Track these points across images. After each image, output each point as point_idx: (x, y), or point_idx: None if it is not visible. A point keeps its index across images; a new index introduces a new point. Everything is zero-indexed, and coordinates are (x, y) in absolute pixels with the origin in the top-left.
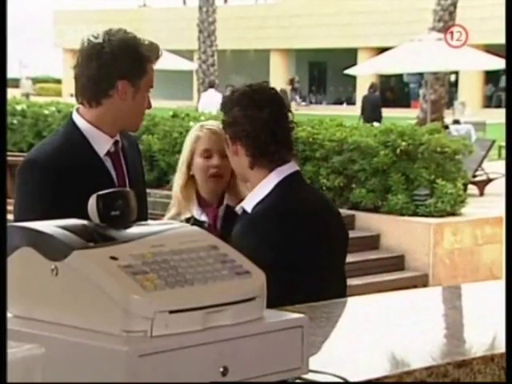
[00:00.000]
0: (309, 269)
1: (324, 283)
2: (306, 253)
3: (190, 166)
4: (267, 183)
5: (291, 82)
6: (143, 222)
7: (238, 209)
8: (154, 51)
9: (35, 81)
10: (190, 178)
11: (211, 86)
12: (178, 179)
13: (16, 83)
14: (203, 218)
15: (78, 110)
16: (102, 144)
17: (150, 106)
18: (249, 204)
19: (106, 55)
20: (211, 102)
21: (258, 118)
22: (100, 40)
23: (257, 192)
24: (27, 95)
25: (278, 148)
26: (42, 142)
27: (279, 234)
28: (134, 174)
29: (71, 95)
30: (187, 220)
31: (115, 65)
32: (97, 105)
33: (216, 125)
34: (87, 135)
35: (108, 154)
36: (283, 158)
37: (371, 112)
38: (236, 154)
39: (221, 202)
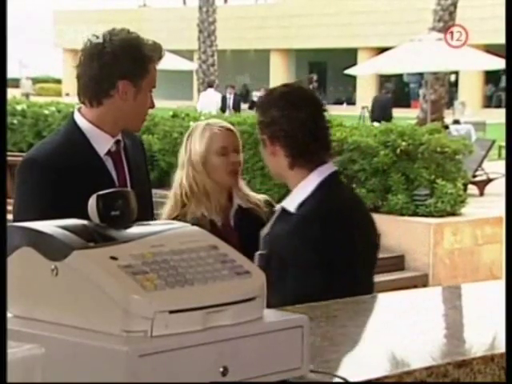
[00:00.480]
0: (348, 269)
1: (358, 283)
2: (347, 253)
3: (205, 164)
4: (308, 184)
5: (310, 80)
6: (143, 222)
7: (277, 208)
8: (156, 51)
9: (35, 81)
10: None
11: (210, 85)
12: (195, 176)
13: (16, 83)
14: (213, 217)
15: (79, 110)
16: (103, 143)
17: (152, 106)
18: (290, 204)
19: (107, 55)
20: (210, 101)
21: (296, 118)
22: (102, 40)
23: (298, 192)
24: (27, 95)
25: (316, 148)
26: (42, 142)
27: (326, 236)
28: (136, 173)
29: (66, 94)
30: (196, 218)
31: (116, 65)
32: (98, 104)
33: (225, 122)
34: (88, 135)
35: (109, 153)
36: (322, 158)
37: (381, 112)
38: (274, 155)
39: (230, 202)
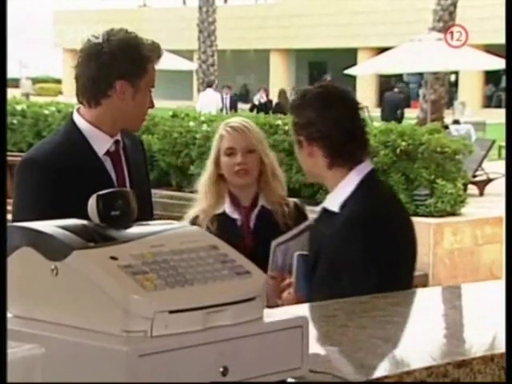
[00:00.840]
0: (389, 269)
1: (399, 282)
2: (389, 254)
3: (217, 164)
4: (348, 183)
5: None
6: (143, 222)
7: (318, 209)
8: (155, 51)
9: (35, 81)
10: (220, 177)
11: (209, 85)
12: (205, 177)
13: (16, 83)
14: (236, 216)
15: (78, 110)
16: (102, 144)
17: (152, 106)
18: (332, 204)
19: (104, 55)
20: (210, 101)
21: (332, 118)
22: (100, 40)
23: (338, 192)
24: (27, 95)
25: (354, 147)
26: (42, 142)
27: (369, 237)
28: (136, 173)
29: (60, 93)
30: (218, 216)
31: (114, 65)
32: (96, 105)
33: (240, 122)
34: (87, 135)
35: (108, 153)
36: (359, 156)
37: (392, 112)
38: (311, 156)
39: (254, 202)
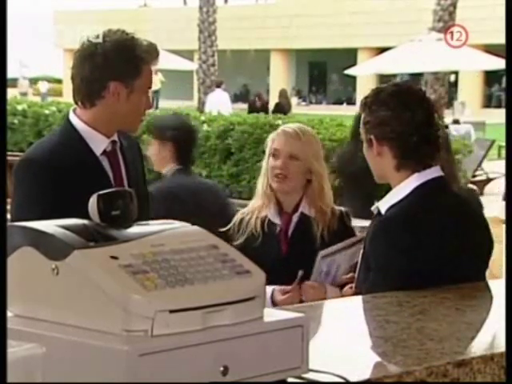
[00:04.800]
0: (404, 278)
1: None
2: (421, 264)
3: (266, 165)
4: (406, 186)
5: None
6: (143, 222)
7: (373, 208)
8: (150, 52)
9: (35, 80)
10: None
11: (218, 86)
12: (260, 177)
13: (15, 83)
14: (277, 221)
15: (74, 111)
16: (98, 144)
17: (149, 107)
18: (384, 205)
19: (98, 57)
20: (218, 101)
21: (408, 119)
22: (95, 41)
23: (394, 194)
24: (24, 94)
25: (427, 150)
26: (40, 141)
27: (410, 240)
28: (133, 174)
29: (39, 92)
30: (263, 218)
31: (107, 66)
32: (91, 106)
33: (293, 127)
34: (84, 135)
35: (105, 153)
36: (429, 161)
37: None
38: (380, 155)
39: (296, 208)
